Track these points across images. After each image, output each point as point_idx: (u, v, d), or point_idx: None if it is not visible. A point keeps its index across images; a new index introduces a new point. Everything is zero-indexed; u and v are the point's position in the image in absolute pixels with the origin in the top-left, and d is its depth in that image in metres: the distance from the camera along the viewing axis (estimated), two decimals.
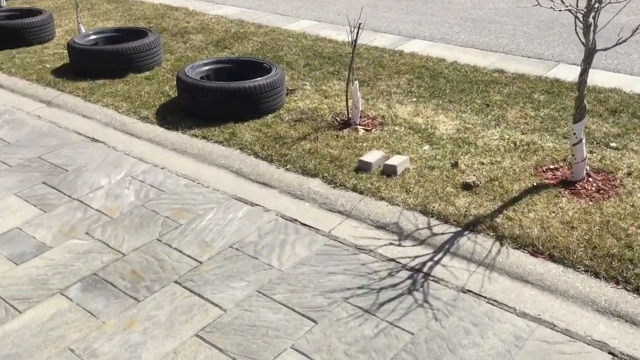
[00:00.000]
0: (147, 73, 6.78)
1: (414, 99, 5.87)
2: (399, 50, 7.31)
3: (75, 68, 6.85)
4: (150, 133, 5.49)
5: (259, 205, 4.37)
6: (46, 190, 4.67)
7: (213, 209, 4.34)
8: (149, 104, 5.96)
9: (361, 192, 4.34)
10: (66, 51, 7.10)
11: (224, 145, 5.14)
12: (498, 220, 3.91)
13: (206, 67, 6.03)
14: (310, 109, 5.69)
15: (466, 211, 4.02)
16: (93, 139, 5.50)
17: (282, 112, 5.65)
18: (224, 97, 5.42)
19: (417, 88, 6.12)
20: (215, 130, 5.36)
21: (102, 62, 6.65)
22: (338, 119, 5.48)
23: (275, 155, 4.88)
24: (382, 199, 4.26)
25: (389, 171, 4.50)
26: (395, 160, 4.55)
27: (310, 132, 5.23)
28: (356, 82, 5.23)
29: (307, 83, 6.35)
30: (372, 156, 4.63)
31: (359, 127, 5.29)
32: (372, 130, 5.25)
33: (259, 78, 5.52)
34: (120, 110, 5.90)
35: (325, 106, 5.75)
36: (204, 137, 5.28)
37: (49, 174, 4.91)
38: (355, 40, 5.14)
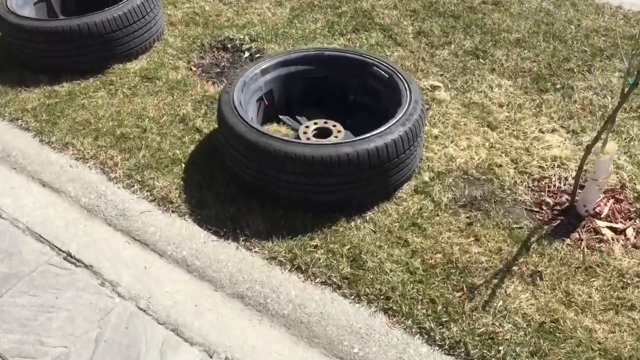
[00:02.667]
0: (143, 61, 3.89)
1: None
2: None
3: (17, 56, 3.92)
4: (182, 247, 2.78)
5: None
6: None
7: None
8: (165, 157, 3.17)
9: None
10: None
11: (344, 295, 2.49)
12: None
13: (267, 77, 3.18)
14: (478, 167, 2.98)
15: None
16: (68, 256, 2.80)
17: (424, 176, 2.95)
18: (323, 173, 2.65)
19: None
20: (315, 244, 2.67)
21: (60, 49, 3.73)
22: (548, 199, 2.80)
23: (471, 342, 2.28)
24: None
25: None
26: None
27: (507, 242, 2.59)
28: (612, 144, 2.50)
29: (441, 85, 3.54)
30: None
31: (600, 224, 2.66)
32: (628, 231, 2.63)
33: (385, 128, 2.65)
34: (112, 175, 3.12)
35: (501, 154, 3.04)
36: (297, 268, 2.60)
37: None
38: None
